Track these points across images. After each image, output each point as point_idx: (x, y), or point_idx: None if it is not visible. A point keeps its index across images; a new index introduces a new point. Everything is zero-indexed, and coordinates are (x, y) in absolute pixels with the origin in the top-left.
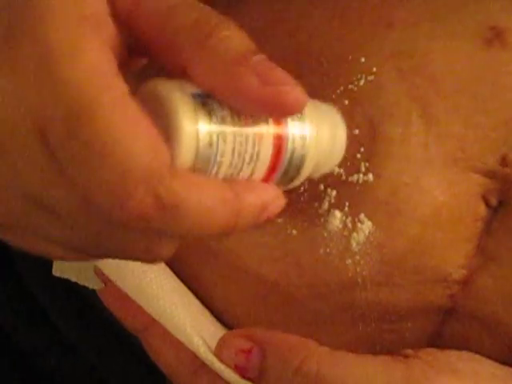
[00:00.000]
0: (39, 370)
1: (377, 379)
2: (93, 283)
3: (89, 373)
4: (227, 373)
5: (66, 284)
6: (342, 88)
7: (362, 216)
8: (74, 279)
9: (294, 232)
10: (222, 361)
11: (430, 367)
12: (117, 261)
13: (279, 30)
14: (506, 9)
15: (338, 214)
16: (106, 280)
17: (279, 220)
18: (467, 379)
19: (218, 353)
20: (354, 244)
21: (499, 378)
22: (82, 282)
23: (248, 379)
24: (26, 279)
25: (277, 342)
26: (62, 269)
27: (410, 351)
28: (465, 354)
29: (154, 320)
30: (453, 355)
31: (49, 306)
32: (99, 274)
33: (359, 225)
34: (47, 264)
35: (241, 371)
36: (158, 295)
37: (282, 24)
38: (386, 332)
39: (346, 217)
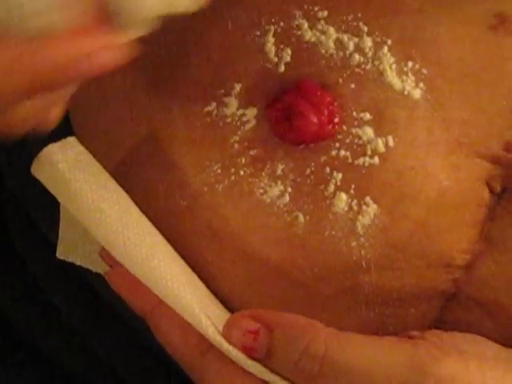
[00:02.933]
0: (39, 353)
1: (383, 360)
2: (97, 266)
3: (90, 357)
4: (235, 353)
5: (67, 268)
6: (348, 72)
7: (367, 199)
8: (78, 263)
9: (300, 214)
10: (229, 341)
11: (436, 348)
12: (125, 243)
13: None
14: None
15: (343, 196)
16: (112, 262)
17: (285, 201)
18: (472, 360)
19: (225, 333)
20: (359, 227)
21: (503, 359)
22: (86, 266)
23: (255, 360)
24: (27, 263)
25: (284, 323)
26: (65, 252)
27: (415, 332)
28: (469, 336)
29: (161, 301)
30: (458, 336)
31: (51, 289)
32: (105, 256)
33: (365, 207)
34: (48, 246)
35: (248, 351)
36: (166, 276)
37: None
38: (389, 317)
39: (352, 199)
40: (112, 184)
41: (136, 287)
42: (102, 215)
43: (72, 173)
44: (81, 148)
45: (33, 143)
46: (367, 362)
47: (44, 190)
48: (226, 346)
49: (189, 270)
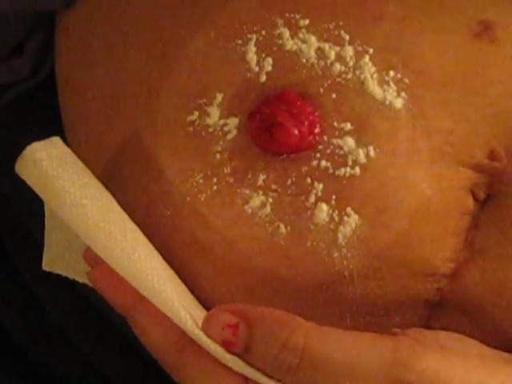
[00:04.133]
0: (32, 361)
1: (363, 353)
2: (83, 277)
3: (83, 365)
4: (214, 348)
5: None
6: (329, 81)
7: (348, 209)
8: (64, 274)
9: (281, 225)
10: (208, 335)
11: (418, 343)
12: (106, 238)
13: None
14: (495, 3)
15: (324, 207)
16: (94, 262)
17: (266, 212)
18: (455, 356)
19: (204, 328)
20: (340, 237)
21: (487, 357)
22: (71, 276)
23: (235, 354)
24: (21, 271)
25: (263, 317)
26: (51, 263)
27: (397, 330)
28: (454, 334)
29: (141, 298)
30: (441, 333)
31: (44, 297)
32: (89, 256)
33: (346, 218)
34: (35, 247)
35: (227, 346)
36: (147, 270)
37: None
38: (374, 326)
39: (333, 210)
40: (95, 182)
41: (117, 285)
42: (83, 210)
43: (55, 170)
44: (65, 148)
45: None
46: (347, 356)
47: (36, 196)
48: (204, 340)
49: (169, 268)
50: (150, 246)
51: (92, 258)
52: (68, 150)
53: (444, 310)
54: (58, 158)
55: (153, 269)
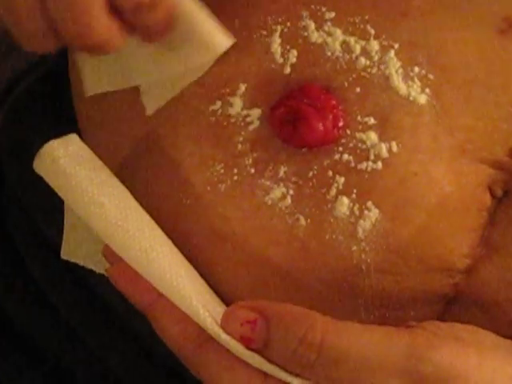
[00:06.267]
0: (41, 355)
1: (380, 347)
2: (100, 267)
3: (89, 357)
4: (233, 344)
5: (66, 270)
6: (354, 75)
7: (369, 203)
8: (81, 263)
9: (301, 217)
10: (227, 332)
11: (434, 336)
12: (124, 237)
13: None
14: None
15: (345, 200)
16: (113, 260)
17: (286, 203)
18: (470, 347)
19: (223, 324)
20: (360, 231)
21: (502, 348)
22: (89, 266)
23: (253, 350)
24: (28, 264)
25: (281, 313)
26: (69, 253)
27: (413, 322)
28: (468, 326)
29: (160, 295)
30: (456, 326)
31: (50, 290)
32: (108, 253)
33: (366, 212)
34: (48, 248)
35: (246, 342)
36: (165, 268)
37: None
38: (389, 320)
39: (354, 204)
40: (113, 180)
41: (136, 282)
42: (102, 209)
43: (73, 168)
44: (82, 144)
45: (32, 143)
46: (364, 350)
47: (45, 190)
48: (223, 337)
49: (187, 263)
50: (169, 242)
51: (111, 255)
52: (85, 147)
53: (458, 304)
54: (76, 156)
55: (171, 267)
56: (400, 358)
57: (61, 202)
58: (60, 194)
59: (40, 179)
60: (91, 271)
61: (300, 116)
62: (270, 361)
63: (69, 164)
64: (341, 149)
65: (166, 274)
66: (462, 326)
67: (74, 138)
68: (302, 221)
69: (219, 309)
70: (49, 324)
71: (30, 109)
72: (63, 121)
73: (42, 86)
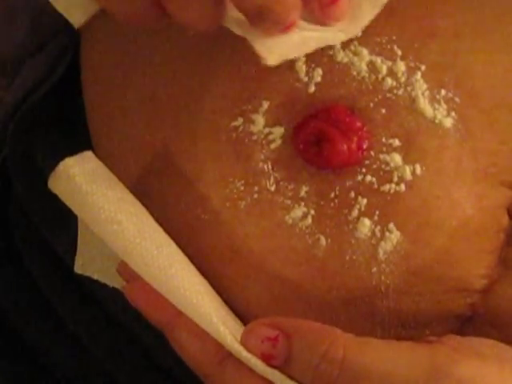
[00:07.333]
0: (50, 367)
1: (402, 362)
2: (114, 281)
3: (93, 365)
4: (254, 361)
5: (74, 283)
6: (380, 96)
7: (391, 225)
8: (95, 277)
9: (322, 237)
10: (248, 349)
11: (454, 350)
12: (143, 254)
13: None
14: None
15: (367, 222)
16: (128, 277)
17: (307, 223)
18: (492, 362)
19: (244, 341)
20: (381, 252)
21: None
22: (103, 280)
23: (274, 367)
24: (36, 277)
25: (302, 329)
26: (83, 267)
27: (433, 338)
28: (488, 341)
29: (179, 312)
30: (476, 340)
31: (58, 304)
32: (123, 270)
33: (388, 234)
34: (57, 262)
35: (267, 359)
36: (184, 286)
37: None
38: (404, 338)
39: (375, 225)
40: (129, 197)
41: (154, 299)
42: (119, 227)
43: (89, 185)
44: (97, 161)
45: (41, 155)
46: (386, 365)
47: (53, 204)
48: (244, 354)
49: (204, 280)
50: (186, 260)
51: (126, 272)
52: (101, 164)
53: (474, 323)
54: (92, 173)
55: (190, 284)
56: (421, 374)
57: (69, 215)
58: (76, 211)
59: (49, 193)
60: (99, 286)
61: (325, 138)
62: (291, 377)
63: (85, 182)
64: (364, 170)
65: (186, 292)
66: (482, 341)
67: (89, 155)
68: (323, 241)
69: (237, 326)
70: (56, 336)
71: (39, 123)
72: (72, 135)
73: (50, 100)
